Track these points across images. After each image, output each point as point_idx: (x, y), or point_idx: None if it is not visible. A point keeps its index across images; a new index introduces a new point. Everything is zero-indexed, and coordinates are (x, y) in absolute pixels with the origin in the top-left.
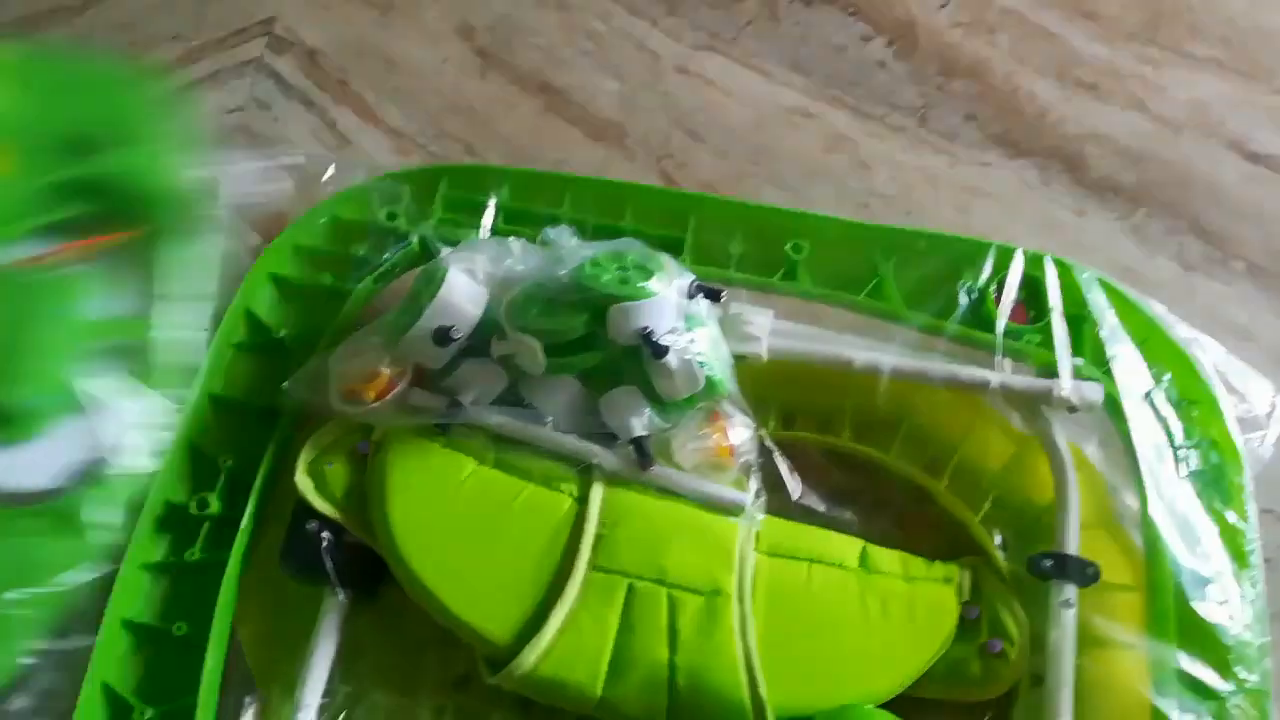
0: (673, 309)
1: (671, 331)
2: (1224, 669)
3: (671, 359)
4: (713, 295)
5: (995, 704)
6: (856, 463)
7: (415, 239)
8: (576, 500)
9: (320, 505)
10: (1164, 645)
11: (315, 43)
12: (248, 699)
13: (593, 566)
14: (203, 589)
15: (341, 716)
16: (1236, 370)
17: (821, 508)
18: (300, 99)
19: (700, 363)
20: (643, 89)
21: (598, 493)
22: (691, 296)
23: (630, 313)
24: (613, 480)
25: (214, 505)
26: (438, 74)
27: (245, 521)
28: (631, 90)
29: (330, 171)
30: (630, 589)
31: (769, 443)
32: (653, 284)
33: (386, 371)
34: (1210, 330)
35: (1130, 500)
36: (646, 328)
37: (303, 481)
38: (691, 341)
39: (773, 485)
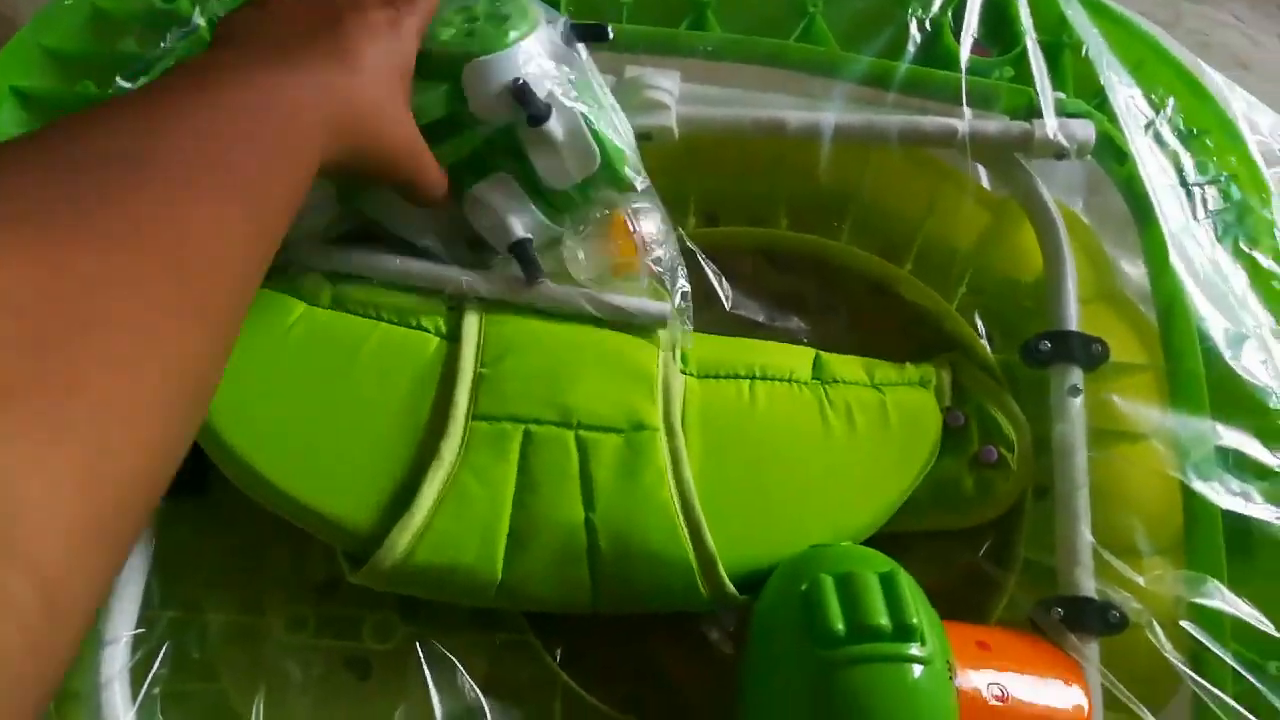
0: (545, 58)
1: (550, 90)
2: (1273, 437)
3: (555, 125)
4: (597, 34)
5: (995, 528)
6: (799, 259)
7: (203, 21)
8: (444, 337)
9: None
10: (1196, 419)
11: None
12: None
13: (473, 416)
14: None
15: (165, 648)
16: (1241, 101)
17: (760, 317)
18: None
19: (593, 130)
20: None
21: (472, 324)
22: (569, 42)
23: (488, 68)
24: (491, 306)
25: None
26: None
27: None
28: None
29: None
30: (527, 436)
31: (690, 244)
32: (511, 31)
33: None
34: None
35: (1134, 266)
36: (518, 79)
37: None
38: (577, 99)
39: (699, 297)
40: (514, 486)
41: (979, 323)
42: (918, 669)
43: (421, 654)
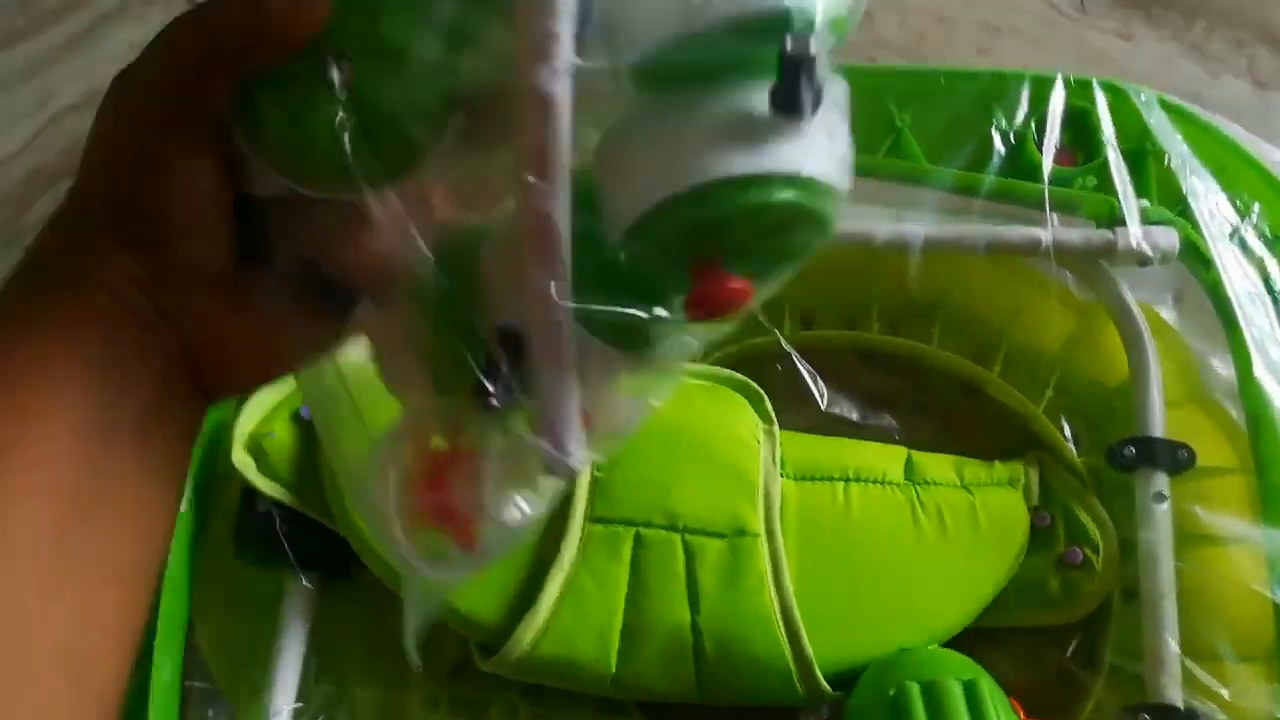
0: None
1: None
2: None
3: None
4: None
5: (1082, 627)
6: (891, 360)
7: None
8: None
9: (265, 486)
10: None
11: None
12: (211, 713)
13: (590, 518)
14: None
15: (323, 711)
16: None
17: (854, 416)
18: None
19: None
20: None
21: None
22: None
23: None
24: None
25: None
26: None
27: (184, 507)
28: None
29: None
30: (638, 539)
31: (787, 346)
32: None
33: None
34: None
35: (1222, 367)
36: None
37: (242, 460)
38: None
39: (795, 398)
40: (626, 587)
41: (1065, 425)
42: None
43: None
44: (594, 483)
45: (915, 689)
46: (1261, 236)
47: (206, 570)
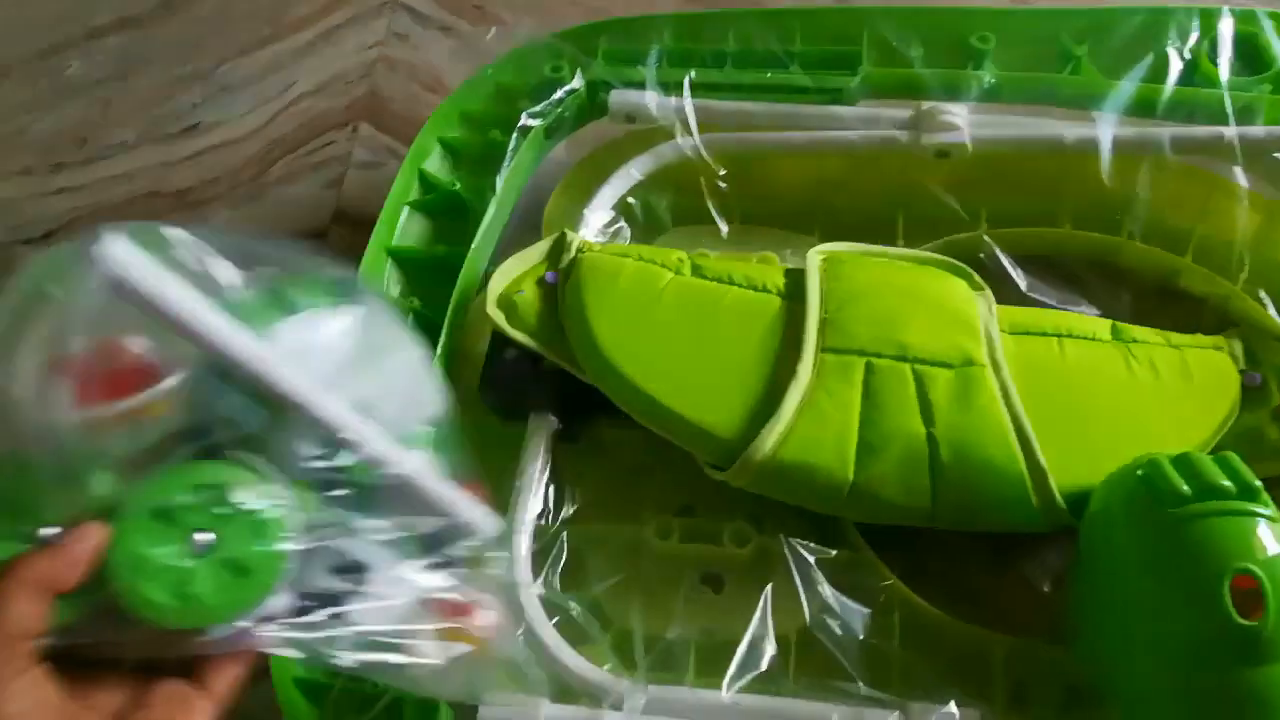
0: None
1: None
2: None
3: None
4: None
5: None
6: (1083, 254)
7: (582, 85)
8: (784, 298)
9: (515, 334)
10: None
11: None
12: None
13: (822, 349)
14: None
15: (563, 538)
16: None
17: (1053, 301)
18: (437, 27)
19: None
20: None
21: (814, 279)
22: None
23: None
24: (828, 264)
25: None
26: None
27: (439, 349)
28: None
29: (491, 34)
30: (869, 367)
31: (986, 237)
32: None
33: None
34: None
35: None
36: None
37: (495, 312)
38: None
39: (995, 286)
40: (860, 407)
41: (1266, 301)
42: (1265, 525)
43: (785, 555)
44: (823, 322)
45: (1165, 459)
46: None
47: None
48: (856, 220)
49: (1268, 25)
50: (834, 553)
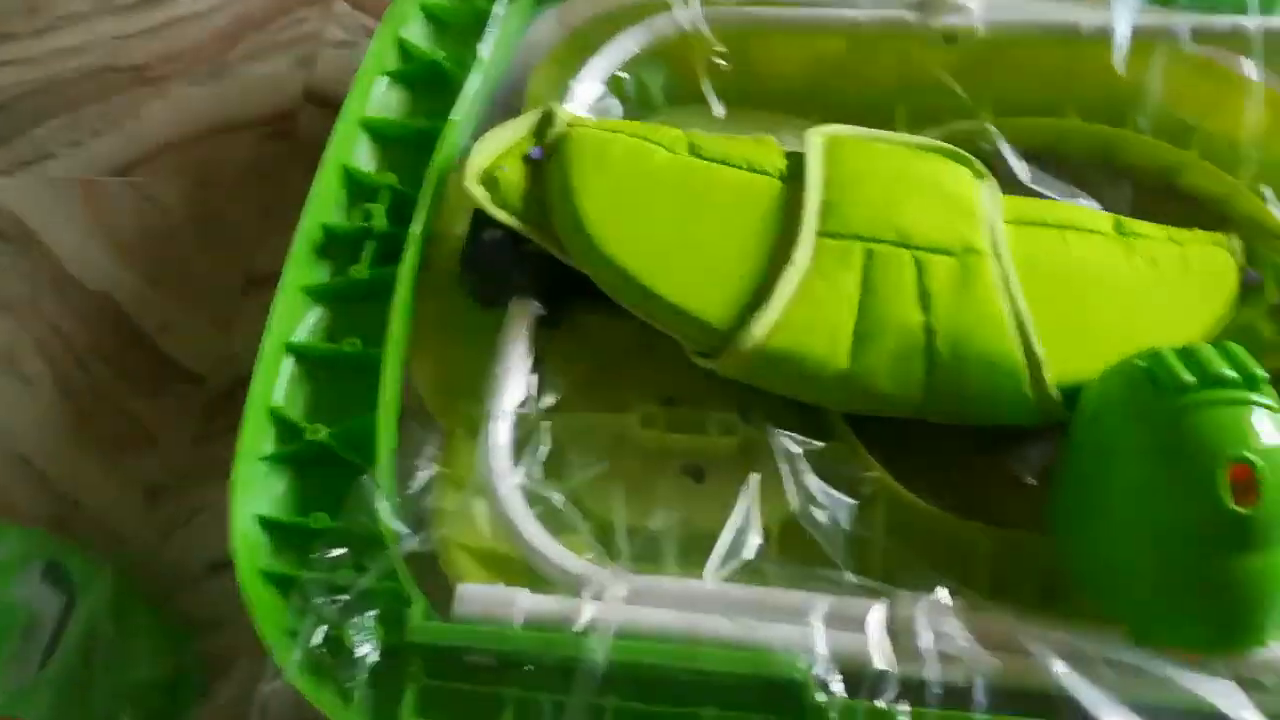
0: None
1: None
2: None
3: None
4: None
5: None
6: (1088, 147)
7: None
8: (784, 180)
9: (497, 213)
10: None
11: None
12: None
13: (821, 233)
14: (374, 307)
15: (543, 427)
16: None
17: (1056, 194)
18: None
19: None
20: None
21: (815, 161)
22: None
23: None
24: (829, 146)
25: (378, 218)
26: None
27: (416, 226)
28: None
29: None
30: (868, 253)
31: (988, 125)
32: None
33: None
34: None
35: None
36: None
37: (475, 189)
38: None
39: (999, 175)
40: (859, 292)
41: (1268, 196)
42: (1266, 414)
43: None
44: (823, 205)
45: (1169, 350)
46: None
47: (425, 312)
48: (856, 106)
49: None
50: (821, 444)
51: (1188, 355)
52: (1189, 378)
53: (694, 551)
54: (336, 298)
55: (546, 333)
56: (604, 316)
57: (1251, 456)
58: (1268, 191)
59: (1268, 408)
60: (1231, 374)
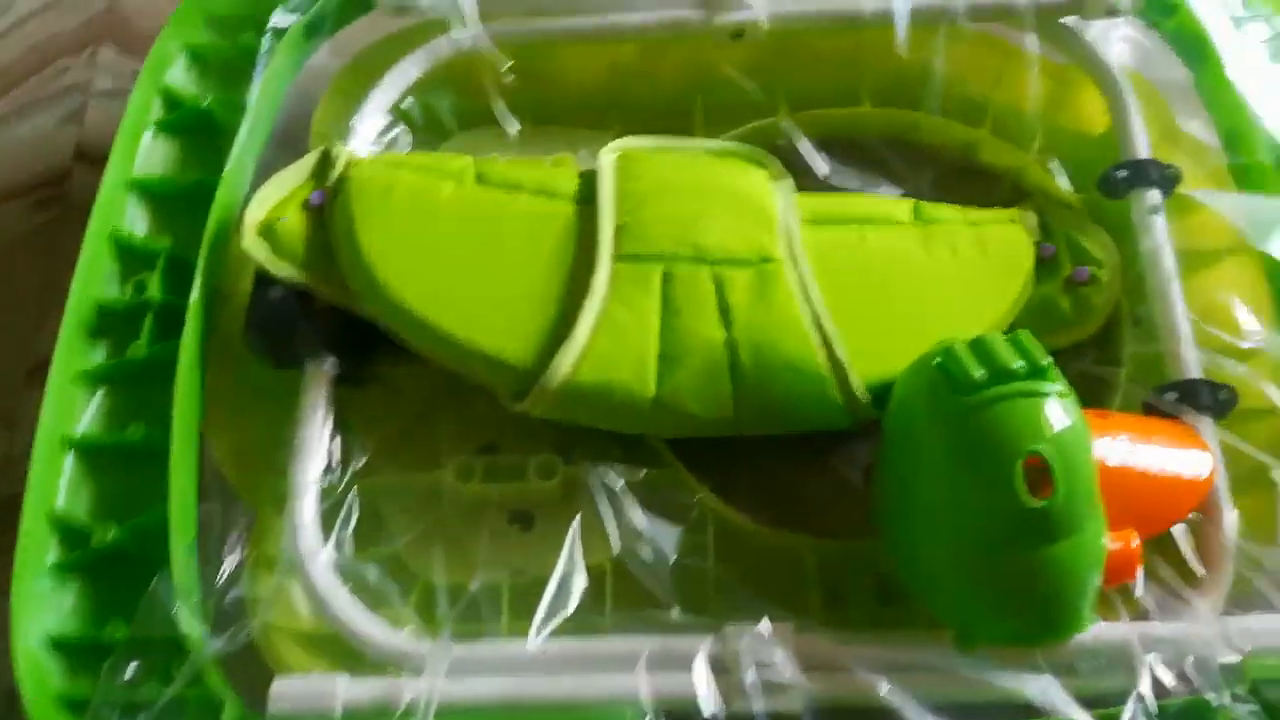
0: None
1: None
2: None
3: None
4: None
5: (1095, 344)
6: (884, 132)
7: None
8: (578, 203)
9: (279, 269)
10: (1271, 201)
11: None
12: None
13: (617, 258)
14: (159, 387)
15: (353, 494)
16: None
17: (856, 185)
18: None
19: None
20: None
21: (608, 182)
22: None
23: None
24: (623, 160)
25: (154, 289)
26: None
27: (195, 295)
28: None
29: None
30: (667, 274)
31: (784, 123)
32: None
33: None
34: None
35: (1195, 120)
36: None
37: (254, 245)
38: None
39: (796, 173)
40: (660, 315)
41: (1056, 168)
42: (1055, 402)
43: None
44: (618, 228)
45: (961, 344)
46: None
47: (217, 383)
48: (654, 111)
49: None
50: (642, 473)
51: (979, 348)
52: (979, 373)
53: (527, 601)
54: (116, 381)
55: (351, 390)
56: (411, 366)
57: (1043, 449)
58: (1054, 164)
59: (1057, 394)
60: (1019, 365)
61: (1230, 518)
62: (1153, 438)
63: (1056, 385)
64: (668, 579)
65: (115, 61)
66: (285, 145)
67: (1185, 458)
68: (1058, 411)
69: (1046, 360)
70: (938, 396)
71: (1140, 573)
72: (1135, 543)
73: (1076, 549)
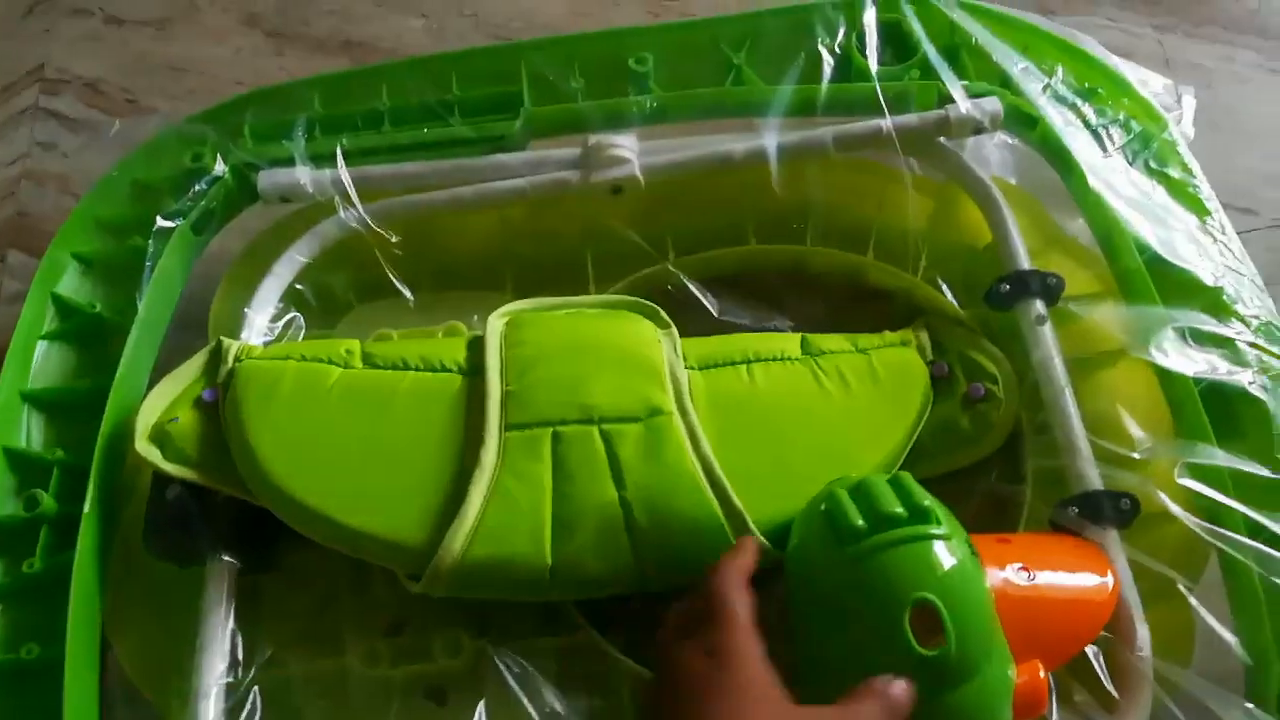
0: None
1: None
2: (1220, 310)
3: None
4: None
5: (1000, 458)
6: (774, 267)
7: (227, 170)
8: (467, 373)
9: (173, 469)
10: (1150, 308)
11: (93, 73)
12: None
13: (506, 427)
14: (53, 602)
15: (254, 693)
16: (1124, 66)
17: (747, 320)
18: (89, 130)
19: None
20: (449, 15)
21: (494, 351)
22: None
23: None
24: (510, 327)
25: (47, 503)
26: (233, 65)
27: (88, 506)
28: (438, 21)
29: (116, 127)
30: (556, 437)
31: (672, 268)
32: None
33: None
34: None
35: (1070, 220)
36: None
37: (145, 449)
38: None
39: (688, 315)
40: (551, 480)
41: (944, 287)
42: (939, 545)
43: (497, 664)
44: (505, 395)
45: (843, 491)
46: (1071, 89)
47: (121, 583)
48: (547, 268)
49: (909, 10)
50: (553, 642)
51: (860, 494)
52: (860, 523)
53: None
54: (11, 598)
55: (256, 580)
56: (311, 553)
57: (930, 597)
58: (941, 282)
59: (940, 537)
60: (900, 511)
61: (1143, 634)
62: (1054, 559)
63: (940, 527)
64: None
65: (25, 265)
66: (189, 346)
67: (1088, 578)
68: (943, 554)
69: (927, 501)
70: (826, 545)
71: (1054, 706)
72: (1042, 674)
73: (980, 691)
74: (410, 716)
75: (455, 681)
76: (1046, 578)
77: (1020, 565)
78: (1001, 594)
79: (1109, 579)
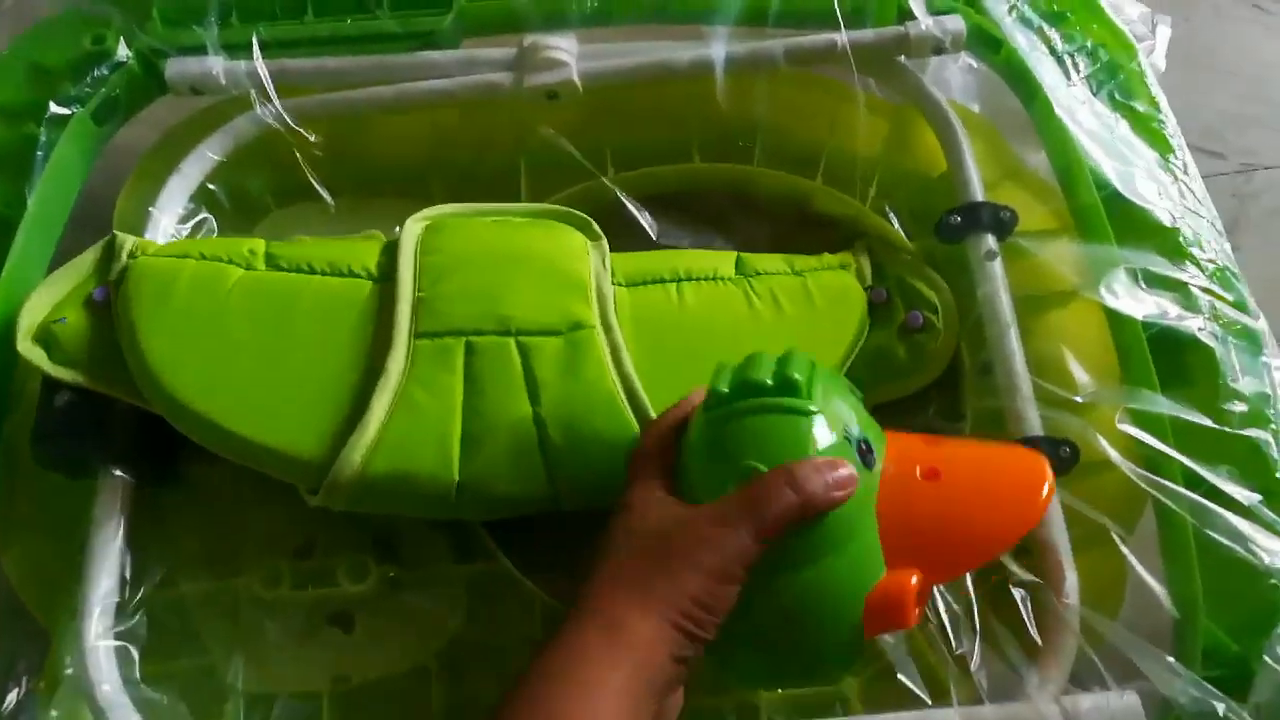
0: None
1: None
2: (1175, 253)
3: None
4: None
5: (939, 392)
6: (719, 187)
7: (131, 56)
8: (377, 280)
9: (60, 373)
10: (1103, 246)
11: None
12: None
13: (415, 334)
14: None
15: (140, 615)
16: None
17: (686, 243)
18: None
19: None
20: None
21: (409, 255)
22: None
23: None
24: (429, 231)
25: None
26: None
27: None
28: None
29: (8, 2)
30: (469, 347)
31: (609, 184)
32: None
33: None
34: None
35: (1031, 153)
36: None
37: (30, 350)
38: None
39: (627, 235)
40: (462, 394)
41: (892, 216)
42: (794, 418)
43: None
44: (416, 302)
45: (726, 363)
46: (1039, 12)
47: (4, 494)
48: (479, 179)
49: None
50: (464, 571)
51: (745, 364)
52: (723, 389)
53: (350, 714)
54: None
55: (158, 494)
56: (215, 466)
57: (758, 466)
58: (889, 210)
59: (797, 412)
60: (764, 381)
61: (1071, 580)
62: (978, 469)
63: (806, 402)
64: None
65: None
66: (102, 234)
67: (1008, 496)
68: (797, 429)
69: (796, 376)
70: (699, 411)
71: (977, 646)
72: (914, 580)
73: (819, 580)
74: (315, 641)
75: (363, 607)
76: (955, 487)
77: (930, 469)
78: (884, 494)
79: (1037, 501)
